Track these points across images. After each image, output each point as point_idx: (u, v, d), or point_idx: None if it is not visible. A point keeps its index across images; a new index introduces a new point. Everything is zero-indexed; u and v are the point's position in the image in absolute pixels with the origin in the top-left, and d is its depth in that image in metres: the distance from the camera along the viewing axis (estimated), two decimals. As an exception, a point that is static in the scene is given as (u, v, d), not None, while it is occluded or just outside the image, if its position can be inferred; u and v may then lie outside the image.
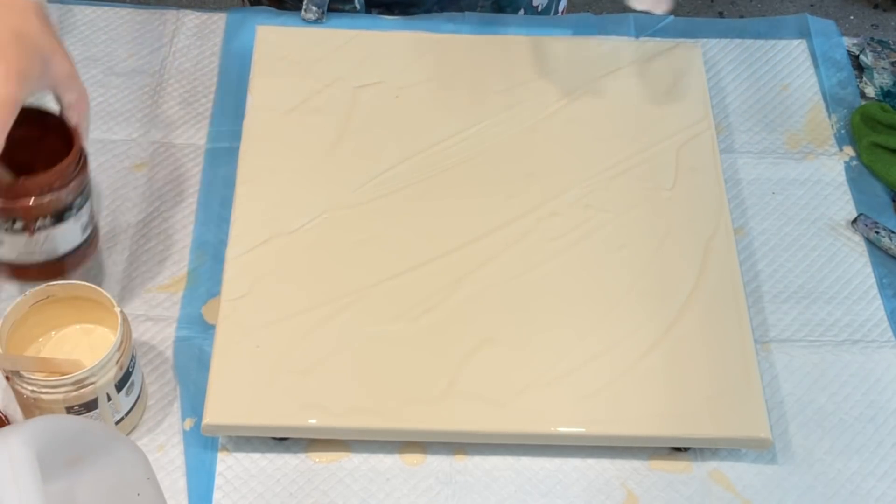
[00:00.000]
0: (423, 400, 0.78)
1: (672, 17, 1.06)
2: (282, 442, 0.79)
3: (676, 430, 0.78)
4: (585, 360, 0.80)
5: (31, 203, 0.73)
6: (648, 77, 0.97)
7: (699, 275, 0.85)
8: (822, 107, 1.02)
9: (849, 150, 0.99)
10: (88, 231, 0.79)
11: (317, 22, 1.01)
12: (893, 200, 0.96)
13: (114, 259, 0.88)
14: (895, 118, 0.98)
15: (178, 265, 0.88)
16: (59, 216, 0.75)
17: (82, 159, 0.76)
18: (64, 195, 0.74)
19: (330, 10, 1.02)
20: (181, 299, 0.86)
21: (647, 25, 1.06)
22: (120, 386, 0.74)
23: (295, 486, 0.78)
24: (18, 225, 0.74)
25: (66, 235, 0.77)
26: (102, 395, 0.73)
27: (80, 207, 0.76)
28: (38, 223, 0.75)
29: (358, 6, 1.03)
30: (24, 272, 0.78)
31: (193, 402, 0.81)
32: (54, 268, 0.78)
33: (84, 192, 0.76)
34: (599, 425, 0.78)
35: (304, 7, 1.01)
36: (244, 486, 0.78)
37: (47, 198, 0.73)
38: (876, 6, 2.26)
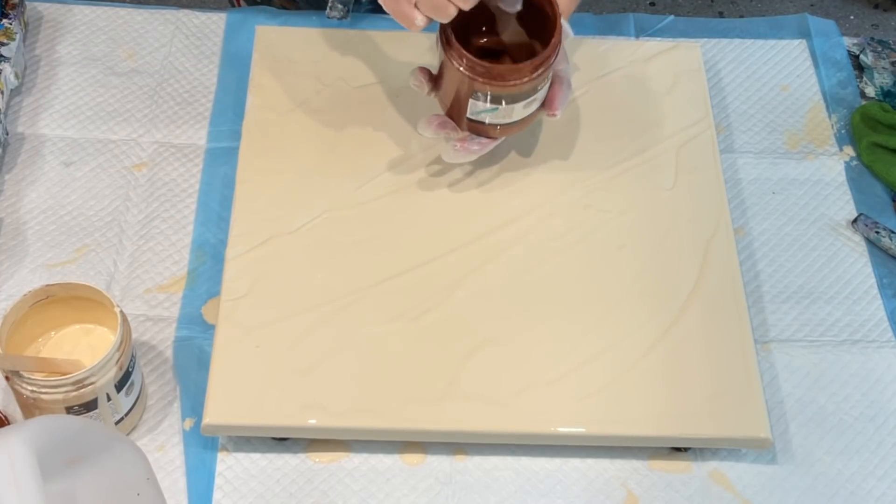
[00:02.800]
0: (423, 400, 0.78)
1: (672, 17, 1.07)
2: (282, 442, 0.79)
3: (676, 430, 0.78)
4: (585, 360, 0.80)
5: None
6: (648, 77, 0.97)
7: (699, 275, 0.85)
8: (822, 107, 1.02)
9: (849, 150, 0.99)
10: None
11: (342, 21, 1.01)
12: (893, 200, 0.96)
13: (114, 259, 0.88)
14: (895, 118, 0.98)
15: (178, 265, 0.88)
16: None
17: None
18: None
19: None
20: (181, 299, 0.86)
21: (647, 25, 1.06)
22: (120, 386, 0.74)
23: (295, 486, 0.78)
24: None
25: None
26: (102, 395, 0.73)
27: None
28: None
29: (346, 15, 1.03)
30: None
31: (193, 402, 0.81)
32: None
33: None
34: (599, 425, 0.78)
35: (329, 5, 1.01)
36: (244, 486, 0.78)
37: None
38: (876, 6, 2.26)
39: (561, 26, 0.81)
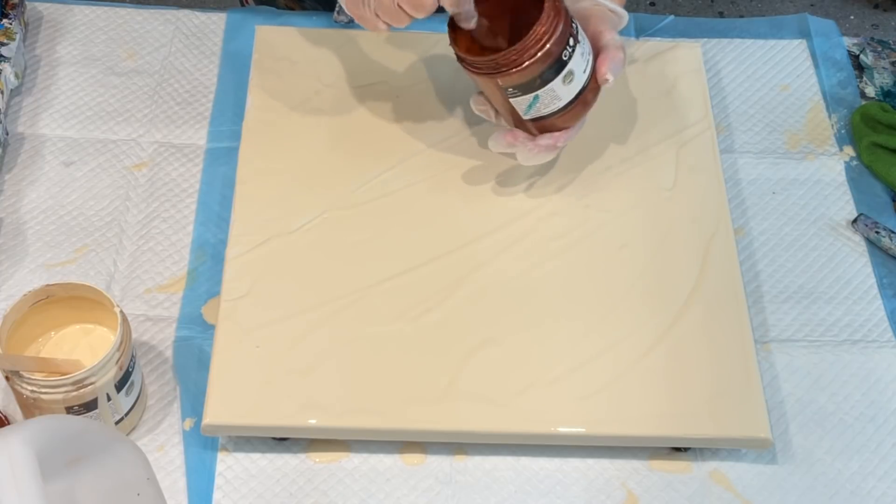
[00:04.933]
0: (423, 400, 0.78)
1: (672, 17, 1.07)
2: (282, 442, 0.79)
3: (676, 430, 0.78)
4: (586, 360, 0.80)
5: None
6: (648, 77, 0.97)
7: (699, 275, 0.85)
8: (822, 107, 1.02)
9: (849, 150, 0.99)
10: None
11: (350, 24, 1.01)
12: (893, 200, 0.96)
13: (114, 259, 0.88)
14: (895, 118, 0.98)
15: (178, 265, 0.88)
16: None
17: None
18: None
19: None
20: (181, 299, 0.86)
21: (647, 25, 1.06)
22: (120, 386, 0.74)
23: (295, 486, 0.78)
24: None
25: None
26: (102, 395, 0.73)
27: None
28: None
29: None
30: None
31: (193, 402, 0.81)
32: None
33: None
34: (600, 425, 0.78)
35: (336, 9, 1.01)
36: (244, 486, 0.78)
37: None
38: (876, 6, 2.26)
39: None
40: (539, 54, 0.78)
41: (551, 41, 0.78)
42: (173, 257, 0.88)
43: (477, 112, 0.86)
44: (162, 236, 0.90)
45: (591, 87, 0.83)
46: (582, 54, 0.81)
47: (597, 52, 0.84)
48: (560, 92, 0.81)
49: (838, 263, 0.92)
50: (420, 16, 0.78)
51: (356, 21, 0.81)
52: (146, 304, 0.86)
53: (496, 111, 0.85)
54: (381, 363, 0.79)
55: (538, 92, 0.80)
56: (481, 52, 0.81)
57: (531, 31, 0.78)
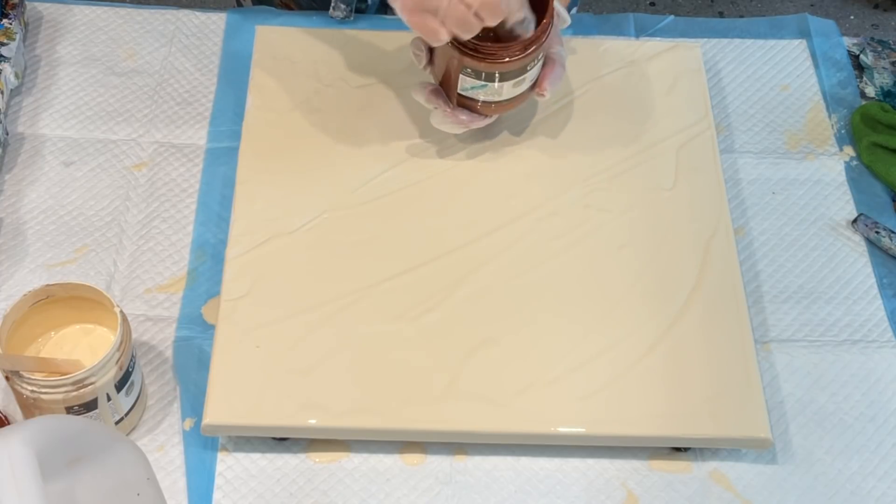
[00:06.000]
0: (423, 400, 0.78)
1: (672, 17, 1.07)
2: (282, 442, 0.79)
3: (676, 430, 0.78)
4: (585, 360, 0.80)
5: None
6: (648, 77, 0.97)
7: (699, 275, 0.85)
8: (822, 107, 1.02)
9: (849, 150, 0.99)
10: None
11: (345, 20, 1.01)
12: (893, 200, 0.96)
13: (114, 259, 0.88)
14: (895, 118, 0.98)
15: (178, 265, 0.88)
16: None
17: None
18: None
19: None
20: (181, 299, 0.86)
21: (647, 25, 1.06)
22: (120, 386, 0.74)
23: (295, 486, 0.78)
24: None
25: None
26: (102, 395, 0.73)
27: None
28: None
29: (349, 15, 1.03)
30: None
31: (193, 402, 0.81)
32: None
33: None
34: (599, 425, 0.78)
35: (332, 5, 1.01)
36: (244, 486, 0.78)
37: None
38: (876, 6, 2.26)
39: (553, 8, 0.82)
40: (526, 57, 0.81)
41: (540, 48, 0.81)
42: (173, 257, 0.88)
43: (412, 53, 0.86)
44: (162, 236, 0.90)
45: (526, 94, 0.86)
46: (538, 68, 0.85)
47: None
48: (507, 90, 0.84)
49: (838, 263, 0.92)
50: (494, 23, 0.78)
51: (413, 29, 0.79)
52: (146, 304, 0.86)
53: (429, 60, 0.85)
54: (380, 363, 0.79)
55: (492, 83, 0.83)
56: None
57: (532, 35, 0.81)
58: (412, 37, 0.90)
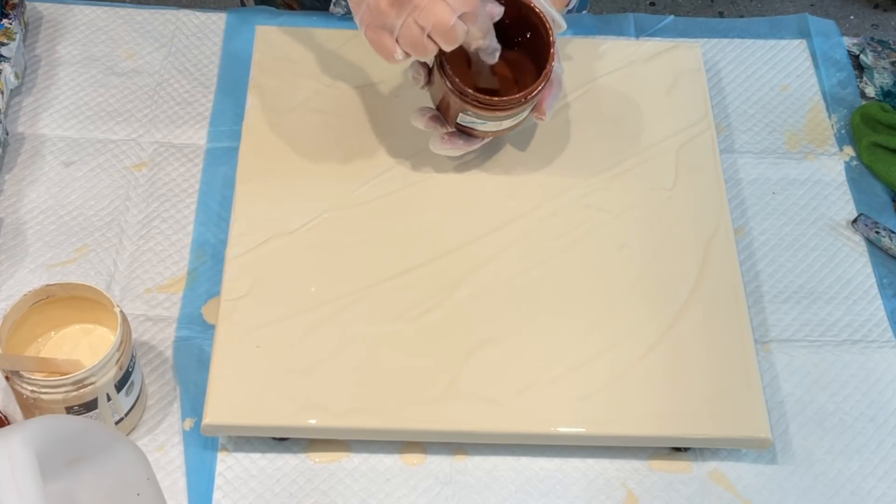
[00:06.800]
0: (423, 400, 0.78)
1: (672, 17, 1.07)
2: (282, 442, 0.79)
3: (676, 430, 0.78)
4: (585, 360, 0.80)
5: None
6: (648, 77, 0.97)
7: (699, 275, 0.85)
8: (822, 107, 1.02)
9: (849, 150, 0.99)
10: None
11: (345, 17, 1.01)
12: (893, 200, 0.96)
13: (114, 259, 0.88)
14: (895, 118, 0.98)
15: (178, 265, 0.88)
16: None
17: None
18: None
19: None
20: (181, 299, 0.86)
21: (647, 25, 1.06)
22: (120, 386, 0.74)
23: (295, 486, 0.78)
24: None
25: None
26: (102, 395, 0.73)
27: None
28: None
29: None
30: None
31: (193, 402, 0.81)
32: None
33: None
34: (599, 425, 0.78)
35: (333, 1, 1.01)
36: (244, 486, 0.78)
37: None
38: (876, 6, 2.26)
39: (554, 55, 0.81)
40: (526, 103, 0.82)
41: (531, 99, 0.82)
42: (173, 257, 0.88)
43: (410, 76, 0.85)
44: (162, 236, 0.90)
45: (525, 119, 0.86)
46: (535, 100, 0.84)
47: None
48: (504, 124, 0.84)
49: (838, 263, 0.92)
50: (449, 48, 0.77)
51: (371, 45, 0.79)
52: (146, 304, 0.86)
53: (427, 81, 0.85)
54: (381, 363, 0.79)
55: (488, 121, 0.83)
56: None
57: (534, 85, 0.81)
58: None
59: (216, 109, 0.98)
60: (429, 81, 0.85)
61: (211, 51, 1.02)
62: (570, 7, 0.92)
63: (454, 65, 0.81)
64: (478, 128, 0.85)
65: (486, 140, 0.87)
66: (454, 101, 0.82)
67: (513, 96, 0.81)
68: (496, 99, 0.81)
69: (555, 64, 0.84)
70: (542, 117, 0.85)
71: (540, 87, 0.81)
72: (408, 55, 0.78)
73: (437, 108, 0.86)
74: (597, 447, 0.80)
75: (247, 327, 0.80)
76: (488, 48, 0.79)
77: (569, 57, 0.97)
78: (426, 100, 0.87)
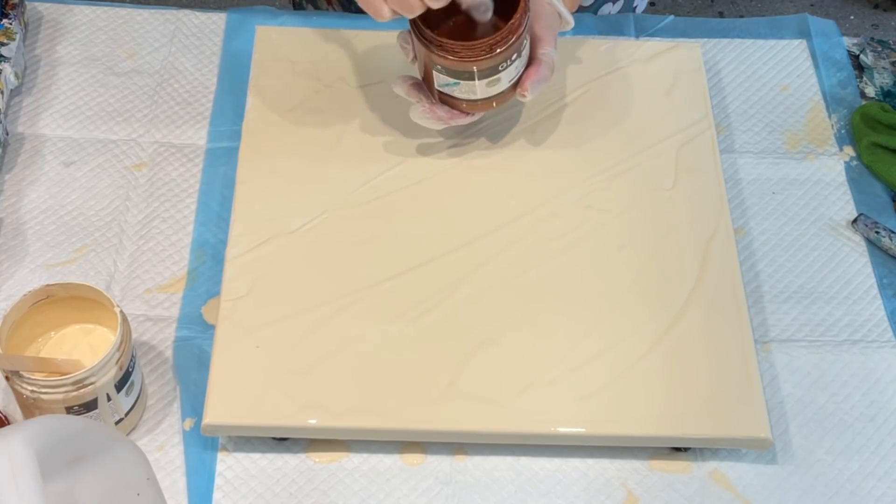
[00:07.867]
0: (423, 400, 0.78)
1: (672, 17, 1.07)
2: (282, 442, 0.79)
3: (676, 430, 0.78)
4: (586, 360, 0.80)
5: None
6: (648, 77, 0.97)
7: (699, 275, 0.85)
8: (822, 107, 1.02)
9: (849, 150, 0.99)
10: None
11: (346, 13, 1.01)
12: (893, 200, 0.96)
13: (114, 259, 0.88)
14: (895, 118, 0.98)
15: (178, 265, 0.88)
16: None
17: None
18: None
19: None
20: (181, 299, 0.86)
21: (647, 25, 1.06)
22: (120, 386, 0.74)
23: (295, 486, 0.78)
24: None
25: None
26: (102, 395, 0.73)
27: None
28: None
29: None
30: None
31: (193, 402, 0.81)
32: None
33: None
34: (600, 425, 0.78)
35: None
36: (244, 486, 0.78)
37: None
38: (876, 6, 2.26)
39: (525, 8, 0.81)
40: (494, 56, 0.80)
41: (509, 47, 0.80)
42: (173, 257, 0.88)
43: (400, 46, 0.85)
44: (162, 236, 0.90)
45: (507, 94, 0.85)
46: (517, 67, 0.83)
47: (531, 58, 0.85)
48: (479, 90, 0.83)
49: (838, 263, 0.92)
50: (436, 5, 0.76)
51: (360, 4, 0.79)
52: (146, 304, 0.86)
53: (415, 56, 0.85)
54: (380, 363, 0.79)
55: (461, 81, 0.82)
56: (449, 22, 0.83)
57: (498, 34, 0.80)
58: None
59: (216, 109, 0.98)
60: (416, 55, 0.85)
61: (211, 51, 1.02)
62: (588, 5, 0.91)
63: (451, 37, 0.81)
64: (455, 93, 0.83)
65: (470, 118, 0.86)
66: (426, 57, 0.82)
67: (474, 43, 0.80)
68: (457, 43, 0.80)
69: (549, 50, 0.83)
70: (523, 94, 0.84)
71: (507, 40, 0.80)
72: (395, 13, 0.78)
73: (424, 81, 0.86)
74: (597, 447, 0.80)
75: (247, 327, 0.80)
76: (480, 5, 0.79)
77: (569, 57, 0.98)
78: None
